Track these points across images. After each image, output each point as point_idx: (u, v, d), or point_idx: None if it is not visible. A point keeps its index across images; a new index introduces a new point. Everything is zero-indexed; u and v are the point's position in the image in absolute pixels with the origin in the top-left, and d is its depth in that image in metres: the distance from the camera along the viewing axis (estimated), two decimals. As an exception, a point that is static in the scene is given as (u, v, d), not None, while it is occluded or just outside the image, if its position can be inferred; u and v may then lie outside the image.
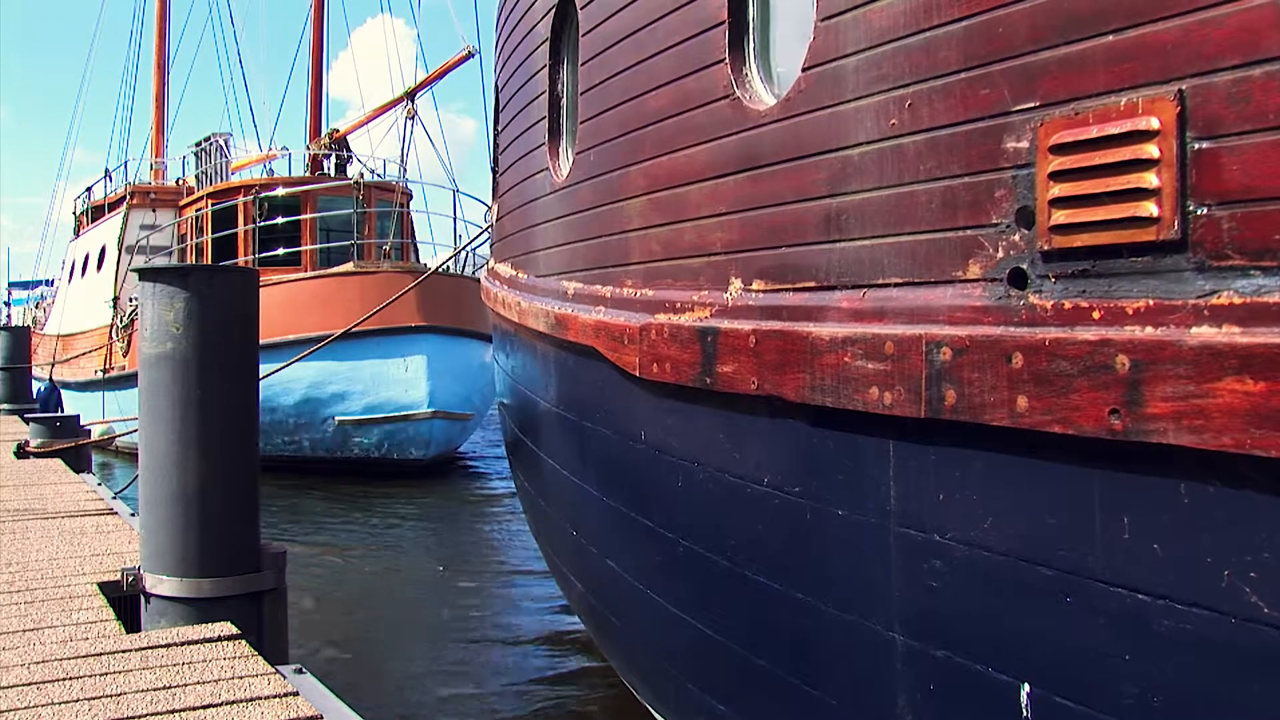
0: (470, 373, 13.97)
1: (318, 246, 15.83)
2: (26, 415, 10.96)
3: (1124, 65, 1.74)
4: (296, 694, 2.79)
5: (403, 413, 13.20)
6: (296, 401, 13.32)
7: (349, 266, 13.47)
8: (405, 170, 17.08)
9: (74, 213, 23.00)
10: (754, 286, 2.71)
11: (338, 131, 18.59)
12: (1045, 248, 1.87)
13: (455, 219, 15.08)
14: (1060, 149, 1.84)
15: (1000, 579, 1.98)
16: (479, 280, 14.97)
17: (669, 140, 3.16)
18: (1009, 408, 1.88)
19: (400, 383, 13.13)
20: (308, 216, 15.89)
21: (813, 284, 2.48)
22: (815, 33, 2.47)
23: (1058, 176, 1.84)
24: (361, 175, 17.49)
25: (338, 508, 11.88)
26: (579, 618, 5.53)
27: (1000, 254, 1.97)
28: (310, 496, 12.37)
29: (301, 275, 14.03)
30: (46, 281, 31.73)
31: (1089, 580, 1.80)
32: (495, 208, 6.15)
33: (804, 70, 2.51)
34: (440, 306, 13.38)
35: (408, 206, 17.61)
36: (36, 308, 30.14)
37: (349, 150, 18.45)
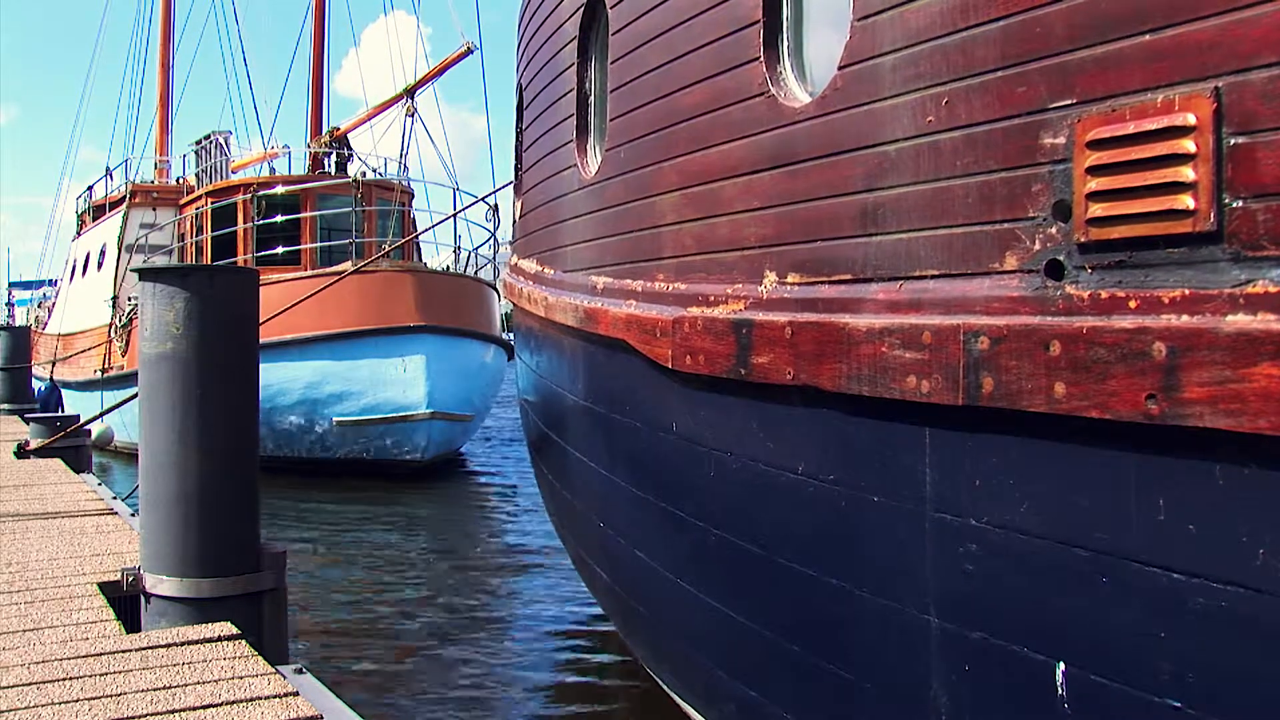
0: (470, 373, 13.91)
1: (317, 245, 15.79)
2: (26, 415, 10.88)
3: (1161, 63, 1.80)
4: (296, 694, 2.79)
5: (401, 413, 13.15)
6: (294, 402, 13.30)
7: (346, 266, 13.39)
8: (405, 168, 17.13)
9: (76, 212, 23.09)
10: (789, 279, 2.77)
11: (338, 129, 18.64)
12: (1082, 240, 1.93)
13: (456, 217, 15.08)
14: (1097, 144, 1.90)
15: (1036, 561, 2.04)
16: (479, 280, 15.09)
17: (702, 137, 3.23)
18: (1047, 394, 1.94)
19: (398, 383, 13.07)
20: (307, 215, 15.87)
21: (849, 276, 2.54)
22: (851, 32, 2.54)
23: (1095, 171, 1.91)
24: (363, 173, 17.49)
25: (337, 508, 11.91)
26: (603, 609, 5.60)
27: (1037, 246, 2.03)
28: (310, 497, 12.36)
29: (298, 275, 13.90)
30: (49, 281, 31.88)
31: (1125, 561, 1.87)
32: (519, 204, 6.22)
33: (840, 68, 2.58)
34: (439, 306, 13.33)
35: (409, 205, 17.58)
36: (39, 307, 30.29)
37: (350, 148, 18.46)
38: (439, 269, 15.55)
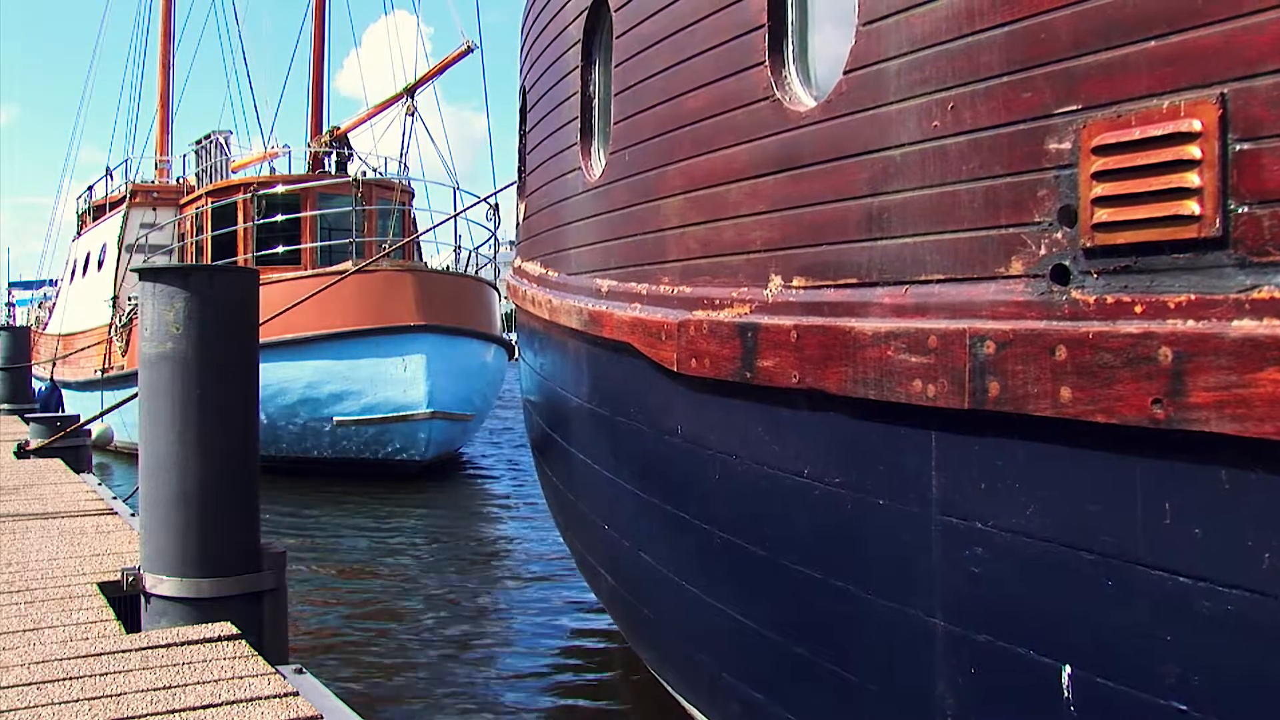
0: (470, 373, 13.91)
1: (317, 245, 15.80)
2: (26, 415, 10.85)
3: (1166, 70, 1.81)
4: (296, 694, 2.79)
5: (401, 413, 13.16)
6: (294, 401, 13.29)
7: (347, 265, 13.33)
8: (406, 167, 17.13)
9: (76, 212, 23.12)
10: (794, 283, 2.78)
11: (338, 129, 18.64)
12: (1088, 245, 1.94)
13: (456, 217, 15.10)
14: (1103, 150, 1.91)
15: (1042, 564, 2.05)
16: (480, 279, 15.11)
17: (707, 140, 3.24)
18: (1052, 398, 1.95)
19: (399, 382, 13.07)
20: (307, 214, 15.87)
21: (854, 280, 2.55)
22: (857, 37, 2.55)
23: (1100, 176, 1.92)
24: (363, 173, 17.49)
25: (337, 508, 11.91)
26: (607, 610, 5.61)
27: (1043, 251, 2.04)
28: (310, 497, 12.35)
29: (299, 274, 13.88)
30: (50, 281, 31.92)
31: (1130, 564, 1.88)
32: (523, 207, 6.23)
33: (845, 73, 2.59)
34: (440, 306, 13.33)
35: (409, 204, 17.56)
36: (39, 307, 30.32)
37: (350, 148, 18.46)
38: (439, 268, 15.56)
